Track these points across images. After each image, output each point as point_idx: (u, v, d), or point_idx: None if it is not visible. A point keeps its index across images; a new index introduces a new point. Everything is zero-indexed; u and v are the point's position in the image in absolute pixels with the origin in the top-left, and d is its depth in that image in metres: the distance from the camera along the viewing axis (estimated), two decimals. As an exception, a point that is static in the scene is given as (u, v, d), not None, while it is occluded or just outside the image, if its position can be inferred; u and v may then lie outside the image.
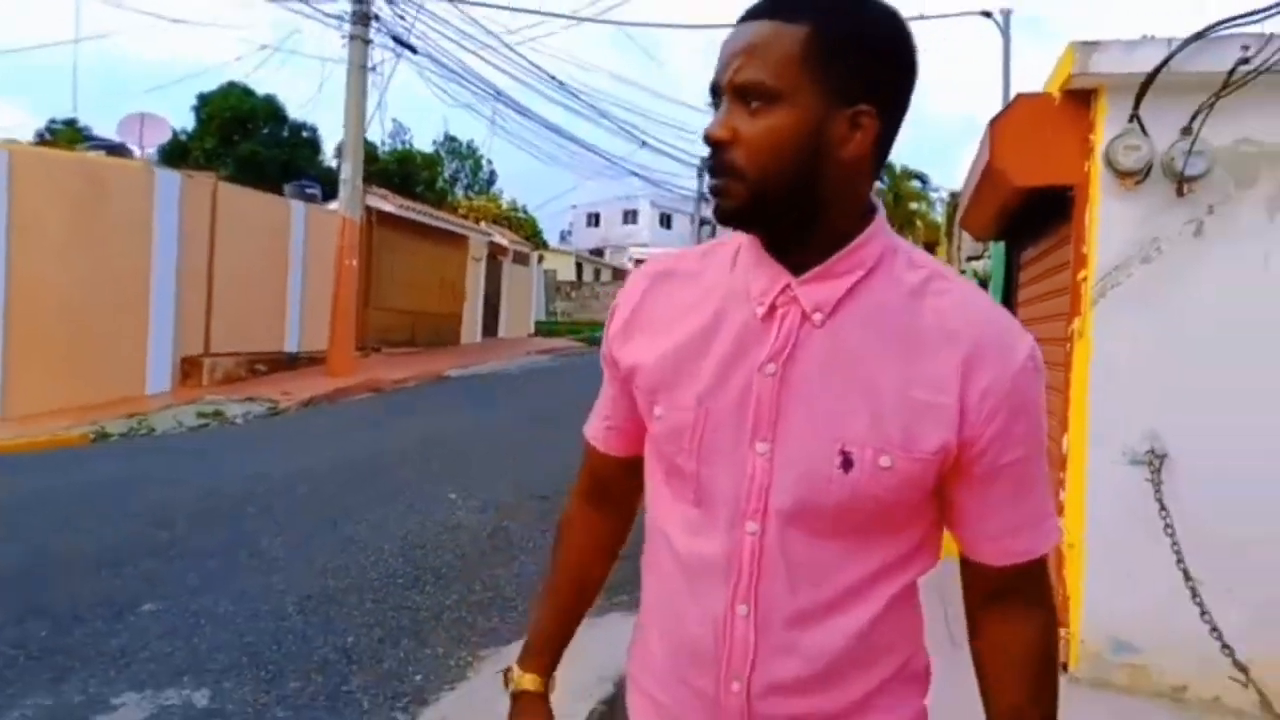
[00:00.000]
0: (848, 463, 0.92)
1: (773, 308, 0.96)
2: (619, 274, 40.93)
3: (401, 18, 14.70)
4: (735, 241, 1.02)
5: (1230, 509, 3.54)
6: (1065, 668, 3.83)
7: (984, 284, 7.72)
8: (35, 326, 11.28)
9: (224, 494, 6.78)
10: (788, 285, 0.95)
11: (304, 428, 10.78)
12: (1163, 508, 3.58)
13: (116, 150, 17.60)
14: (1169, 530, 3.55)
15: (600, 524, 1.21)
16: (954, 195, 15.42)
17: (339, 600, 4.58)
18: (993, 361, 0.92)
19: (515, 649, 1.26)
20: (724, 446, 0.97)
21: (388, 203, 16.99)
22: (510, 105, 17.41)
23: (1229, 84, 3.48)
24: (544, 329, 27.96)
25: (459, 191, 45.26)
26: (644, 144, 24.58)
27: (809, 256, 0.95)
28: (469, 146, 48.70)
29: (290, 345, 14.74)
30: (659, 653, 1.07)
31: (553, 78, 16.24)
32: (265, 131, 34.51)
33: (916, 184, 32.08)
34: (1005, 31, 14.49)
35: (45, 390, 11.36)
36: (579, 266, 39.94)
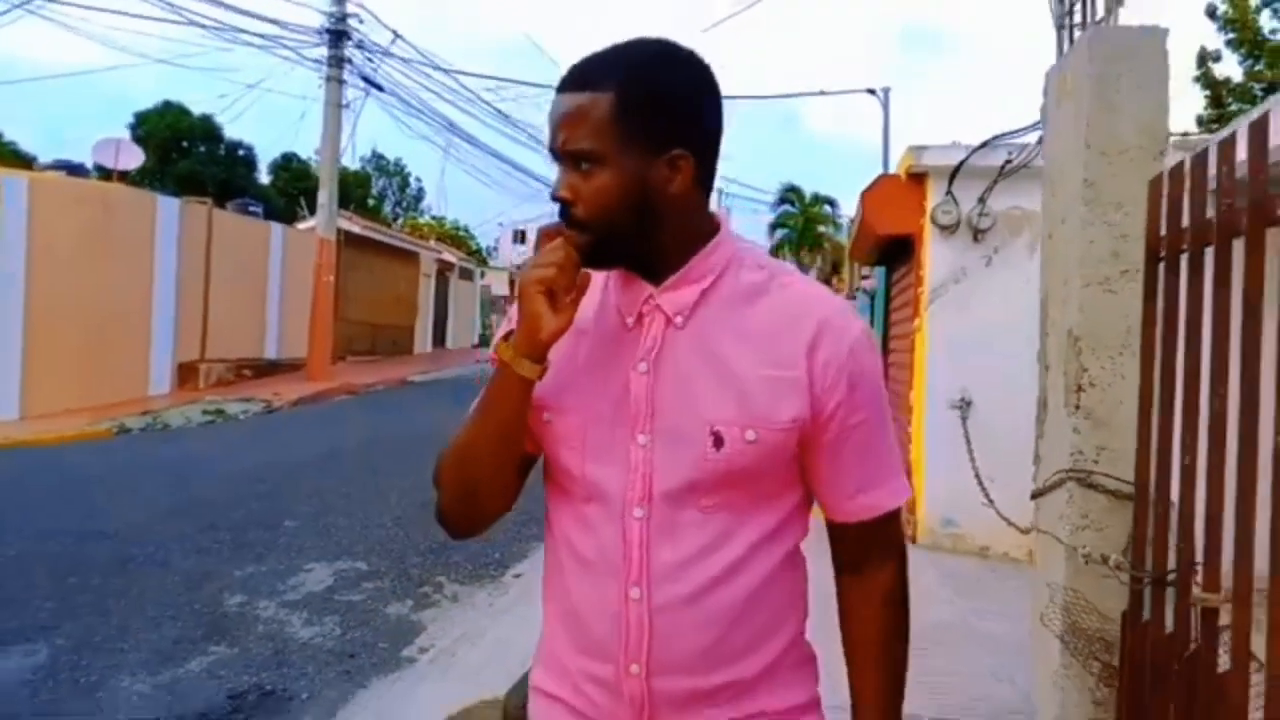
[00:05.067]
0: (719, 441, 1.02)
1: (640, 316, 1.07)
2: (548, 290, 42.76)
3: (370, 60, 16.43)
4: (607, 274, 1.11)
5: (1003, 433, 5.76)
6: (913, 539, 6.01)
7: (872, 297, 10.00)
8: (50, 335, 12.58)
9: (282, 465, 8.52)
10: (650, 295, 1.07)
11: (304, 421, 12.39)
12: (966, 434, 5.78)
13: (76, 170, 18.78)
14: (969, 447, 5.75)
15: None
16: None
17: (419, 520, 6.43)
18: (831, 338, 1.05)
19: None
20: (608, 443, 1.06)
21: (354, 224, 18.64)
22: (462, 137, 19.21)
23: (1002, 174, 5.74)
24: (482, 340, 29.74)
25: (386, 208, 46.59)
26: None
27: (665, 272, 1.07)
28: (396, 164, 50.12)
29: (270, 352, 16.25)
30: (564, 653, 1.13)
31: (501, 113, 18.13)
32: (202, 150, 35.42)
33: (826, 209, 35.02)
34: (885, 105, 17.40)
35: (59, 392, 12.67)
36: (512, 282, 41.78)
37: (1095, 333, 2.70)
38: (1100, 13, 2.99)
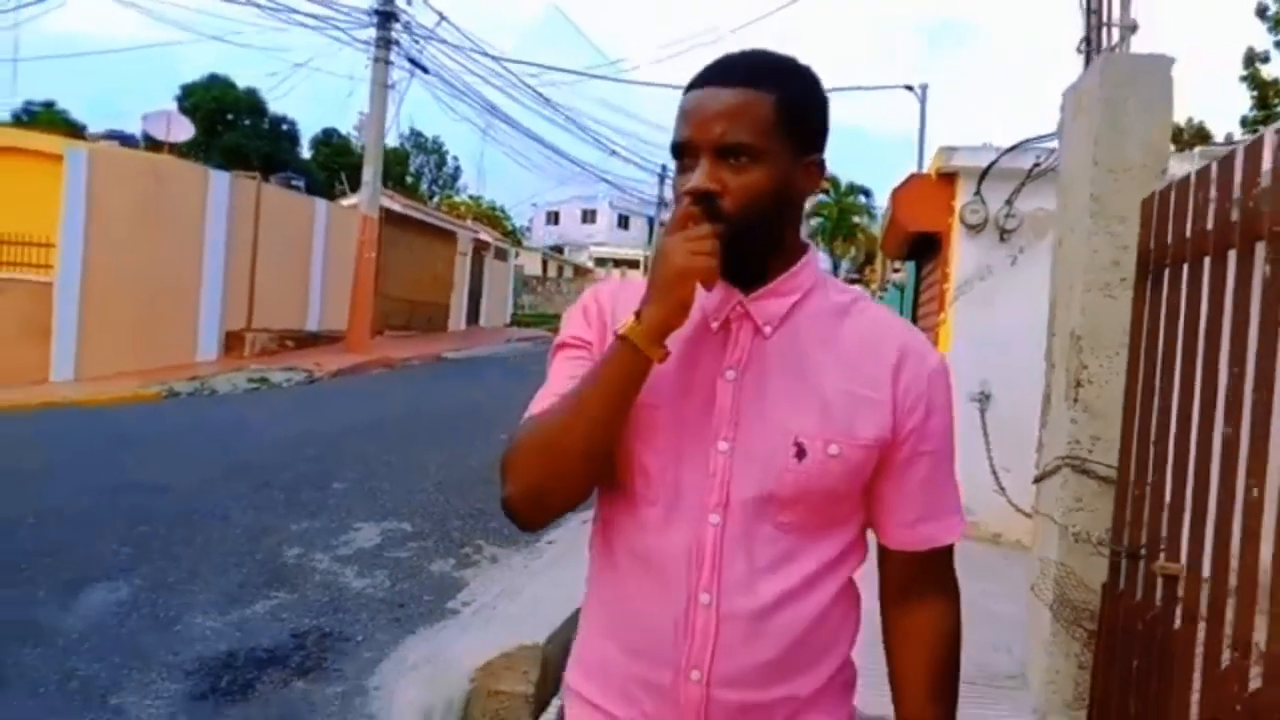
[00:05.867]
0: (801, 452, 1.04)
1: (726, 321, 1.08)
2: (580, 271, 43.27)
3: (416, 42, 16.78)
4: None
5: (1020, 426, 5.99)
6: (928, 525, 6.28)
7: (901, 290, 10.22)
8: (105, 302, 13.12)
9: (327, 432, 8.93)
10: (740, 301, 1.07)
11: (345, 392, 12.85)
12: (984, 426, 6.03)
13: (127, 141, 19.35)
14: (986, 439, 6.00)
15: None
16: (888, 215, 18.00)
17: (458, 488, 6.82)
18: (914, 363, 1.08)
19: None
20: (689, 446, 1.06)
21: (395, 202, 19.08)
22: (502, 119, 19.54)
23: (1029, 176, 5.95)
24: (515, 320, 30.18)
25: (423, 185, 47.17)
26: (613, 153, 26.87)
27: (757, 280, 1.08)
28: (434, 142, 50.72)
29: (312, 324, 16.76)
30: (612, 659, 1.12)
31: (542, 96, 18.40)
32: (246, 123, 36.13)
33: (861, 199, 35.07)
34: (922, 101, 17.52)
35: (112, 355, 13.24)
36: (544, 263, 42.19)
37: (1095, 334, 2.96)
38: (1115, 38, 3.22)
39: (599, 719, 1.13)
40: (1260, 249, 1.80)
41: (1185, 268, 2.18)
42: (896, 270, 12.00)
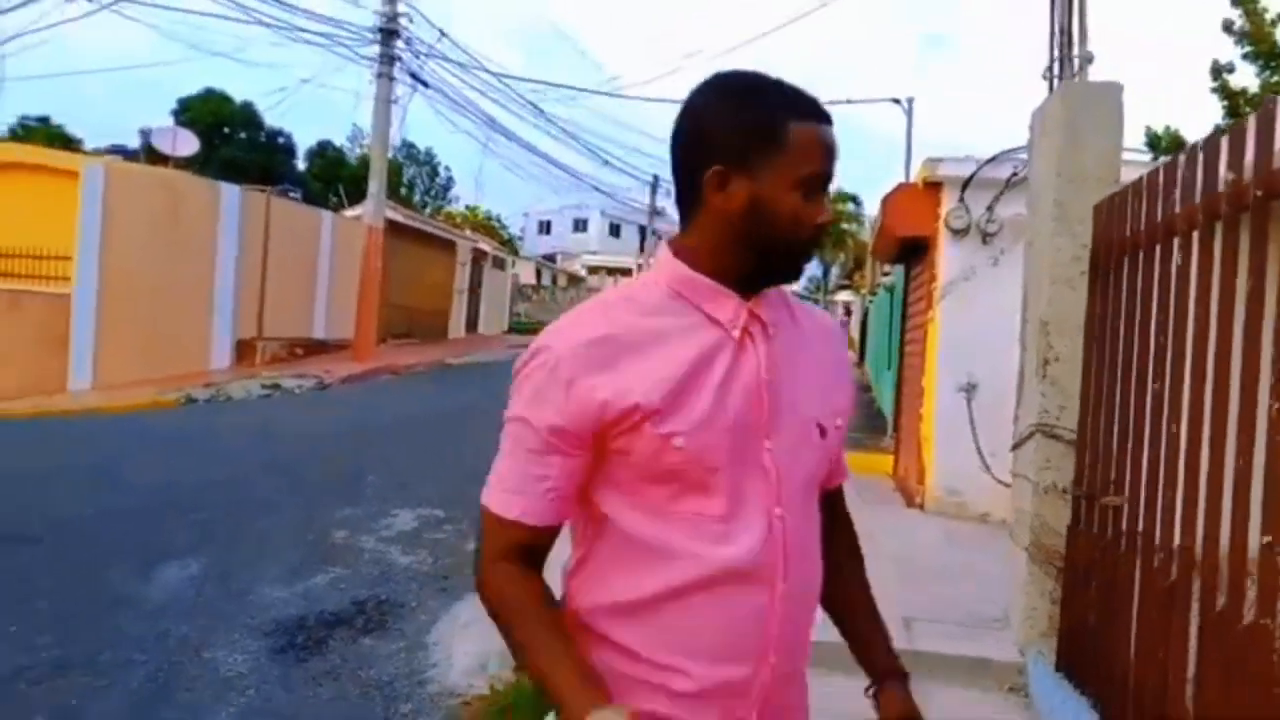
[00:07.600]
0: (823, 432, 1.18)
1: (746, 328, 1.13)
2: (573, 279, 43.83)
3: (417, 58, 17.28)
4: (652, 285, 1.15)
5: (1003, 413, 6.51)
6: (921, 507, 6.79)
7: (891, 291, 10.76)
8: (121, 312, 13.54)
9: (348, 433, 9.40)
10: (749, 308, 1.14)
11: (356, 397, 13.29)
12: (970, 414, 6.55)
13: (130, 156, 19.74)
14: (973, 425, 6.52)
15: (539, 581, 1.15)
16: (877, 221, 18.52)
17: (480, 479, 7.27)
18: (841, 339, 1.33)
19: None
20: (745, 452, 1.11)
21: (397, 213, 19.55)
22: (500, 132, 20.07)
23: (1008, 185, 6.48)
24: (512, 327, 30.68)
25: (415, 196, 47.70)
26: (606, 163, 27.43)
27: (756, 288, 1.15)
28: (426, 154, 51.30)
29: (318, 332, 17.19)
30: (672, 669, 1.10)
31: (539, 109, 18.90)
32: (243, 136, 36.56)
33: (850, 207, 35.63)
34: (909, 113, 18.15)
35: (128, 364, 13.64)
36: (538, 272, 42.70)
37: (1060, 320, 3.48)
38: (1076, 67, 3.74)
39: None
40: (1176, 245, 2.31)
41: (1126, 261, 2.69)
42: (886, 274, 12.56)
